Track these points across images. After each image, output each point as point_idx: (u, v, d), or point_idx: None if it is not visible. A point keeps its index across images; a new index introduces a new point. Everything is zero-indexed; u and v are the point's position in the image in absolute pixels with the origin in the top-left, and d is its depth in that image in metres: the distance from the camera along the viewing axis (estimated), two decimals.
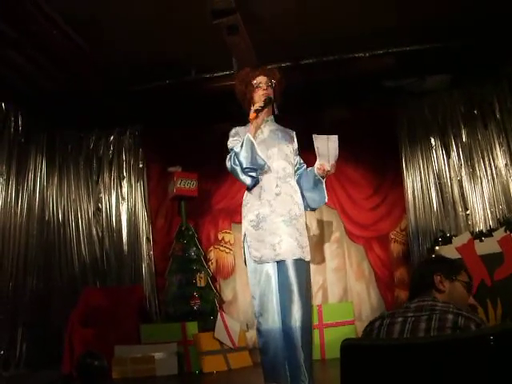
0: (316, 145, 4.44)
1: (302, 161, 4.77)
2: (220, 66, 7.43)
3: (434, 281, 2.74)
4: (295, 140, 4.77)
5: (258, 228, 4.46)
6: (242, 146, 4.41)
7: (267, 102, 4.52)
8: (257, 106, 4.47)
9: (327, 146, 4.44)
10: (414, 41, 7.12)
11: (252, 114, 4.42)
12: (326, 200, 4.67)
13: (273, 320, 4.32)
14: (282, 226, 4.41)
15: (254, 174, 4.44)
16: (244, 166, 4.39)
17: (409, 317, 2.45)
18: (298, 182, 4.63)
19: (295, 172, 4.66)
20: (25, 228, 7.57)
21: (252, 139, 4.42)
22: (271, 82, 4.66)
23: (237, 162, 4.43)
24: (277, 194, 4.46)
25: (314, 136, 4.43)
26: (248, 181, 4.48)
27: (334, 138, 4.41)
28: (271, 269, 4.40)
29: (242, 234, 4.61)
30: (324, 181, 4.54)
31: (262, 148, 4.52)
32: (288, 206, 4.45)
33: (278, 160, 4.56)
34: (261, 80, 4.66)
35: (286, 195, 4.48)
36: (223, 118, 5.49)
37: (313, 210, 4.85)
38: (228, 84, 6.89)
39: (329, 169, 4.44)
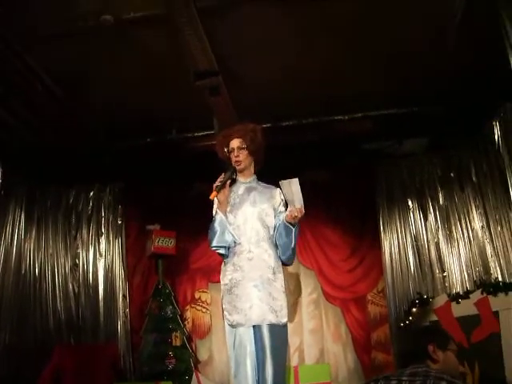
0: (283, 191, 4.47)
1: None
2: (201, 126, 7.52)
3: (428, 350, 2.80)
4: (277, 197, 4.76)
5: (230, 293, 4.47)
6: (213, 221, 4.49)
7: (226, 177, 4.54)
8: (216, 183, 4.49)
9: (291, 191, 4.45)
10: (391, 105, 7.27)
11: (212, 194, 4.45)
12: (293, 245, 4.47)
13: (246, 382, 4.30)
14: (253, 291, 4.40)
15: (222, 252, 4.50)
16: (212, 244, 4.46)
17: (403, 380, 2.49)
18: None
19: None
20: (0, 280, 7.47)
21: (221, 216, 4.47)
22: (244, 143, 4.68)
23: (210, 236, 4.50)
24: (249, 259, 4.46)
25: (280, 183, 4.46)
26: (219, 252, 4.55)
27: (295, 181, 4.36)
28: (246, 332, 4.38)
29: (221, 295, 4.63)
30: (294, 228, 4.49)
31: (236, 212, 4.56)
32: (260, 271, 4.44)
33: (253, 223, 4.56)
34: (233, 145, 4.68)
35: (259, 259, 4.46)
36: (203, 177, 5.54)
37: (286, 264, 4.76)
38: (208, 144, 6.96)
39: (296, 214, 4.42)
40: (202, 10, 4.98)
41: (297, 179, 4.38)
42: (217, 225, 4.47)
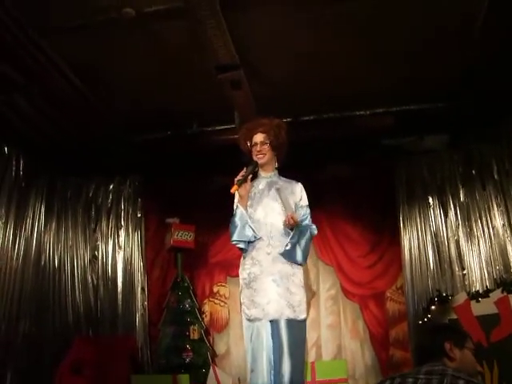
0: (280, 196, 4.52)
1: (305, 214, 4.73)
2: (221, 120, 7.50)
3: (445, 348, 2.79)
4: (298, 192, 4.76)
5: (249, 287, 4.49)
6: (234, 215, 4.51)
7: (248, 172, 4.55)
8: (238, 177, 4.50)
9: (285, 196, 4.51)
10: (413, 100, 7.21)
11: (233, 188, 4.46)
12: (289, 247, 4.52)
13: (262, 378, 4.32)
14: (271, 286, 4.42)
15: (242, 246, 4.53)
16: (232, 238, 4.49)
17: (419, 378, 2.48)
18: None
19: None
20: (20, 272, 7.51)
21: (242, 211, 4.49)
22: (268, 138, 4.68)
23: (230, 230, 4.53)
24: (268, 254, 4.49)
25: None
26: (238, 247, 4.57)
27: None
28: (263, 327, 4.40)
29: (239, 289, 4.64)
30: (292, 232, 4.51)
31: (256, 206, 4.57)
32: (279, 266, 4.46)
33: (273, 218, 4.57)
34: (256, 139, 4.70)
35: (278, 255, 4.48)
36: (223, 170, 5.55)
37: (299, 264, 4.75)
38: (229, 137, 6.96)
39: (287, 220, 4.43)
40: (224, 2, 4.96)
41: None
42: (237, 219, 4.51)
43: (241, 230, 4.52)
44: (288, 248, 4.50)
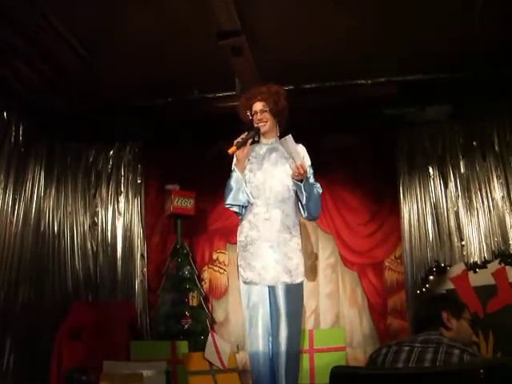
0: (284, 148, 4.49)
1: (309, 173, 4.70)
2: (223, 87, 7.45)
3: (442, 318, 2.80)
4: (301, 153, 4.72)
5: (245, 250, 4.51)
6: (230, 178, 4.50)
7: (249, 136, 4.54)
8: (238, 139, 4.49)
9: (289, 148, 4.46)
10: (416, 70, 7.15)
11: (231, 149, 4.45)
12: (304, 201, 4.53)
13: (257, 343, 4.36)
14: (268, 252, 4.44)
15: (236, 210, 4.53)
16: (226, 201, 4.50)
17: (416, 347, 2.51)
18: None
19: None
20: (19, 237, 7.51)
21: (238, 174, 4.48)
22: (267, 106, 4.66)
23: (225, 192, 4.53)
24: (266, 219, 4.49)
25: (280, 141, 4.50)
26: (232, 210, 4.57)
27: (289, 138, 4.42)
28: (260, 292, 4.42)
29: (237, 253, 4.66)
30: (302, 184, 4.48)
31: (256, 172, 4.57)
32: (276, 231, 4.46)
33: (272, 183, 4.57)
34: (256, 108, 4.67)
35: (276, 220, 4.49)
36: (224, 137, 5.52)
37: (310, 219, 4.76)
38: (230, 105, 6.92)
39: (297, 170, 4.40)
40: None
41: (290, 136, 4.39)
42: (233, 182, 4.50)
43: (235, 193, 4.51)
44: (304, 202, 4.49)
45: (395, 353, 2.52)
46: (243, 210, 4.60)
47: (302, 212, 4.62)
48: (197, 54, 6.55)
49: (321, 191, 4.75)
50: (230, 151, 4.50)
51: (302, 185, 4.47)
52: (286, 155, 4.66)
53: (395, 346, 2.57)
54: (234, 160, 4.65)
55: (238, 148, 4.49)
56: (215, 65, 6.58)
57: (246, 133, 4.57)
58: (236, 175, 4.55)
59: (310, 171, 4.70)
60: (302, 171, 4.38)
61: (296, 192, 4.59)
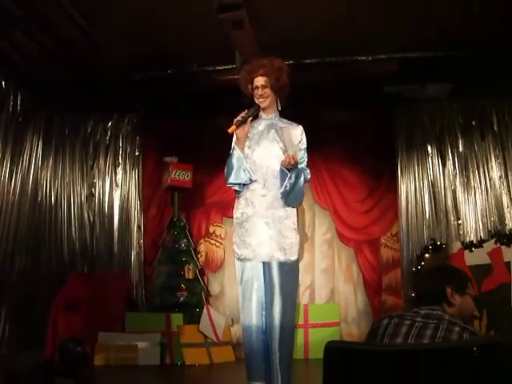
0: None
1: (303, 157, 4.69)
2: (222, 60, 7.41)
3: (446, 293, 2.76)
4: (299, 135, 4.70)
5: (241, 227, 4.51)
6: (230, 156, 4.48)
7: (249, 114, 4.51)
8: (238, 118, 4.47)
9: (283, 136, 4.48)
10: (417, 48, 7.12)
11: (231, 128, 4.43)
12: (282, 190, 4.47)
13: (250, 318, 4.38)
14: (263, 229, 4.44)
15: (237, 188, 4.52)
16: (228, 181, 4.49)
17: (417, 321, 2.49)
18: None
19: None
20: (16, 207, 7.52)
21: (239, 153, 4.47)
22: (269, 82, 4.62)
23: (226, 171, 4.51)
24: (263, 196, 4.49)
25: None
26: (234, 188, 4.57)
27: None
28: (254, 268, 4.43)
29: (233, 229, 4.67)
30: (290, 174, 4.44)
31: (254, 147, 4.56)
32: (272, 208, 4.46)
33: (269, 160, 4.55)
34: (257, 83, 4.63)
35: (272, 197, 4.48)
36: (223, 110, 5.49)
37: (286, 204, 4.72)
38: (229, 78, 6.89)
39: (288, 160, 4.39)
40: None
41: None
42: (234, 161, 4.49)
43: (237, 172, 4.50)
44: (287, 189, 4.47)
45: (396, 325, 2.52)
46: (243, 188, 4.60)
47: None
48: (197, 27, 6.52)
49: (309, 177, 4.72)
50: (230, 130, 4.48)
51: (289, 174, 4.46)
52: (286, 131, 4.65)
53: (397, 317, 2.55)
54: (234, 138, 4.63)
55: (238, 127, 4.46)
56: (215, 38, 6.54)
57: (245, 111, 4.54)
58: (237, 154, 4.52)
59: (304, 155, 4.70)
60: (292, 162, 4.37)
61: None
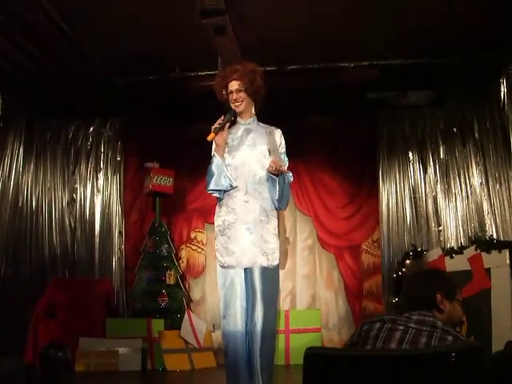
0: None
1: (285, 161, 4.68)
2: (205, 65, 7.42)
3: (436, 300, 2.72)
4: (278, 139, 4.70)
5: (223, 234, 4.50)
6: (210, 163, 4.47)
7: (226, 120, 4.50)
8: (215, 125, 4.46)
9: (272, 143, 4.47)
10: (398, 55, 7.17)
11: (210, 136, 4.42)
12: (277, 196, 4.48)
13: (234, 324, 4.36)
14: (245, 234, 4.43)
15: (217, 195, 4.51)
16: (208, 187, 4.48)
17: (410, 327, 2.44)
18: None
19: None
20: None
21: (219, 159, 4.46)
22: (243, 85, 4.60)
23: (207, 179, 4.50)
24: (245, 202, 4.47)
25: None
26: (214, 195, 4.56)
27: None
28: (237, 274, 4.42)
29: (215, 236, 4.65)
30: (278, 179, 4.44)
31: (234, 153, 4.55)
32: (253, 214, 4.45)
33: (250, 165, 4.54)
34: (231, 87, 4.62)
35: (254, 203, 4.47)
36: (205, 116, 5.49)
37: (279, 209, 4.75)
38: (212, 83, 6.89)
39: (273, 166, 4.38)
40: None
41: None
42: (214, 168, 4.47)
43: (217, 179, 4.48)
44: (277, 197, 4.47)
45: (390, 330, 2.48)
46: (224, 195, 4.59)
47: (273, 202, 4.59)
48: (180, 32, 6.53)
49: (291, 180, 4.74)
50: (209, 138, 4.46)
51: (277, 179, 4.46)
52: (265, 135, 4.64)
53: (389, 322, 2.50)
54: (214, 145, 4.62)
55: (216, 134, 4.45)
56: (198, 43, 6.54)
57: (222, 117, 4.53)
58: (216, 160, 4.51)
59: (285, 158, 4.70)
60: (278, 168, 4.37)
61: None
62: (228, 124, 4.53)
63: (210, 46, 6.51)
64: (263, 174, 4.53)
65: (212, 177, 4.48)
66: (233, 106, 4.63)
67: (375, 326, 2.54)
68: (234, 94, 4.59)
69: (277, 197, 4.49)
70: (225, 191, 4.54)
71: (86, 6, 6.05)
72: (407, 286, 2.89)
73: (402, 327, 2.45)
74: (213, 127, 4.45)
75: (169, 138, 8.74)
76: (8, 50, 6.74)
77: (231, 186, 4.50)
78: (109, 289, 8.20)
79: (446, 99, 8.03)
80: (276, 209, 4.61)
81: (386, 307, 7.81)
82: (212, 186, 4.49)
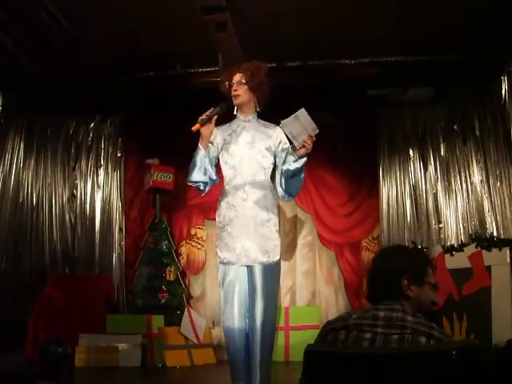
0: (287, 131, 4.34)
1: (290, 155, 4.63)
2: (206, 62, 7.41)
3: (402, 286, 2.40)
4: (277, 136, 4.66)
5: (223, 230, 4.47)
6: (194, 155, 4.42)
7: (214, 112, 4.44)
8: (203, 116, 4.40)
9: (300, 124, 4.36)
10: (399, 52, 7.16)
11: (195, 126, 4.35)
12: (300, 181, 4.44)
13: (232, 320, 4.35)
14: (245, 232, 4.40)
15: (199, 187, 4.47)
16: (188, 178, 4.44)
17: (378, 333, 2.24)
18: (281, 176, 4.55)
19: (282, 167, 4.50)
20: None
21: (202, 152, 4.41)
22: (244, 78, 4.56)
23: (188, 170, 4.45)
24: (244, 200, 4.43)
25: (282, 123, 4.34)
26: (195, 187, 4.53)
27: (303, 111, 4.22)
28: (236, 271, 4.41)
29: (215, 233, 4.64)
30: (305, 160, 4.30)
31: (233, 151, 4.52)
32: (254, 212, 4.42)
33: (249, 163, 4.51)
34: (234, 79, 4.58)
35: (254, 201, 4.44)
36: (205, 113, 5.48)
37: (293, 196, 4.71)
38: (212, 80, 6.89)
39: (309, 142, 4.28)
40: None
41: (303, 109, 4.23)
42: (197, 160, 4.41)
43: (198, 170, 4.43)
44: (297, 167, 4.38)
45: (356, 340, 2.23)
46: (207, 188, 4.55)
47: (283, 192, 4.54)
48: (181, 29, 6.52)
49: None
50: (194, 128, 4.38)
51: (304, 161, 4.33)
52: (264, 133, 4.61)
53: (354, 329, 2.27)
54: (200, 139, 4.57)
55: (202, 125, 4.38)
56: (199, 40, 6.54)
57: (211, 109, 4.49)
58: (201, 153, 4.46)
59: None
60: (310, 143, 4.27)
61: (274, 169, 4.55)
62: (215, 117, 4.48)
63: (211, 43, 6.51)
64: (262, 172, 4.51)
65: (193, 168, 4.43)
66: (232, 98, 4.61)
67: (340, 336, 2.34)
68: (235, 85, 4.56)
69: (299, 182, 4.46)
70: (206, 184, 4.51)
71: (87, 3, 6.04)
72: (370, 273, 2.56)
73: (368, 334, 2.26)
74: (200, 118, 4.39)
75: (169, 135, 8.70)
76: (8, 46, 6.73)
77: (211, 179, 4.47)
78: (109, 285, 8.20)
79: (446, 96, 8.01)
80: (288, 197, 4.59)
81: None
82: (192, 178, 4.43)
